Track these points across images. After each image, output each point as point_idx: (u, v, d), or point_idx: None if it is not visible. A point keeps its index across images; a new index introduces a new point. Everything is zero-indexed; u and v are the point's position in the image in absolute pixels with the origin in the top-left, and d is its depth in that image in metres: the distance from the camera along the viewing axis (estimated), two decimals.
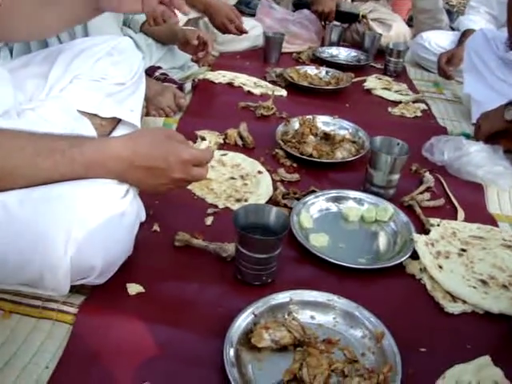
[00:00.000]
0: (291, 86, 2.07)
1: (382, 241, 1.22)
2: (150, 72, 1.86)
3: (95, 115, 1.27)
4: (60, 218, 0.80)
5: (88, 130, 1.25)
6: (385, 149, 1.35)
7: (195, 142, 1.48)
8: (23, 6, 1.11)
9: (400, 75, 2.44)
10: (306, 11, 2.75)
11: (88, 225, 0.80)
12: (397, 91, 2.20)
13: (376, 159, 1.31)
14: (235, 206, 1.25)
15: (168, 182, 0.93)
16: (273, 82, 2.12)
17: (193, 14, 2.34)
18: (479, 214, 1.37)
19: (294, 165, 1.48)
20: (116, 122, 1.34)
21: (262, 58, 2.40)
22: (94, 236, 0.81)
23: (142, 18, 1.91)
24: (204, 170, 0.95)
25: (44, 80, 1.26)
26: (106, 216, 0.84)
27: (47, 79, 1.26)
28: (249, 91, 1.96)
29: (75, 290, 0.94)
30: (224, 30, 2.26)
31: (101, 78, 1.30)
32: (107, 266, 0.89)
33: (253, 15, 3.18)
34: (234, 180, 1.36)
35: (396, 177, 1.33)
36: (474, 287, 1.07)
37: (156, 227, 1.17)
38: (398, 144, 1.36)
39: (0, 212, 0.79)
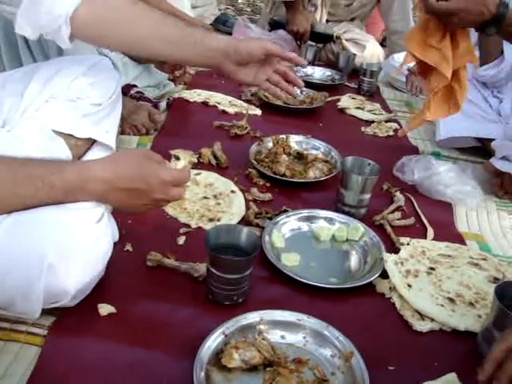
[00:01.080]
0: (266, 106, 2.10)
1: (353, 260, 1.24)
2: (125, 90, 1.86)
3: (70, 135, 1.26)
4: (35, 243, 0.80)
5: (62, 150, 1.25)
6: (356, 169, 1.38)
7: (170, 161, 1.49)
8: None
9: (373, 95, 2.49)
10: (281, 31, 2.79)
11: (62, 250, 0.81)
12: (370, 111, 2.24)
13: (347, 179, 1.34)
14: (208, 226, 1.26)
15: (148, 203, 0.95)
16: (248, 101, 2.14)
17: None
18: (448, 232, 1.41)
19: (267, 184, 1.50)
20: (91, 142, 1.34)
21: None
22: (68, 261, 0.81)
23: None
24: (182, 190, 0.98)
25: (20, 98, 1.26)
26: (81, 241, 0.85)
27: (23, 98, 1.26)
28: (223, 110, 1.98)
29: (45, 311, 0.94)
30: None
31: (77, 98, 1.29)
32: (81, 290, 0.89)
33: (229, 33, 3.23)
34: (207, 199, 1.37)
35: (367, 196, 1.36)
36: (442, 305, 1.09)
37: (128, 247, 1.17)
38: (369, 164, 1.39)
39: None
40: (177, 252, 1.16)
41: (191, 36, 1.20)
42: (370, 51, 2.89)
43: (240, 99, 2.16)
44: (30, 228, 0.81)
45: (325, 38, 2.93)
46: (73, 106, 1.28)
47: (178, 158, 1.52)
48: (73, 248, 0.82)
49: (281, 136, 1.67)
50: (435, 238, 1.35)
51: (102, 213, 0.90)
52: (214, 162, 1.57)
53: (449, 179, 1.55)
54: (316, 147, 1.71)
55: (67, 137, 1.26)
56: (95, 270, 0.91)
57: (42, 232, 0.81)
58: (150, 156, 0.98)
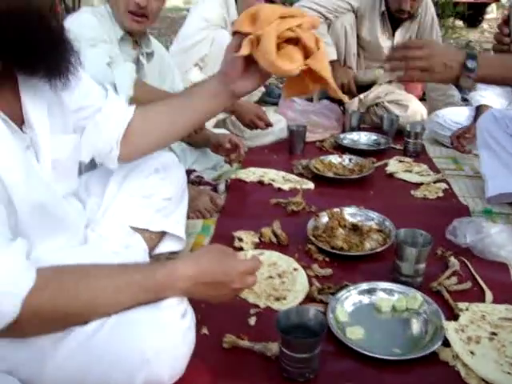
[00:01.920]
0: (317, 177, 2.22)
1: (415, 329, 1.30)
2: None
3: (146, 230, 1.43)
4: (135, 341, 0.92)
5: (140, 244, 1.42)
6: (409, 240, 1.47)
7: (233, 243, 1.62)
8: (158, 122, 1.33)
9: (419, 155, 2.57)
10: (325, 101, 2.95)
11: (157, 346, 0.93)
12: (418, 173, 2.32)
13: (402, 251, 1.42)
14: (275, 305, 1.36)
15: (228, 292, 1.06)
16: (300, 175, 2.27)
17: (221, 115, 2.55)
18: (507, 293, 1.44)
19: (327, 259, 1.59)
20: (164, 233, 1.50)
21: (288, 149, 2.58)
22: (162, 356, 0.93)
23: None
24: (256, 277, 1.09)
25: (100, 199, 1.44)
26: (171, 336, 0.97)
27: (103, 198, 1.44)
28: (279, 188, 2.11)
29: None
30: (253, 127, 2.46)
31: (150, 195, 1.46)
32: (172, 380, 1.00)
33: (274, 104, 3.42)
34: (272, 279, 1.48)
35: (422, 266, 1.43)
36: (509, 373, 1.11)
37: (205, 330, 1.28)
38: (421, 235, 1.47)
39: (80, 337, 0.93)
40: (249, 332, 1.26)
41: (194, 96, 1.30)
42: (412, 110, 2.99)
43: (292, 173, 2.29)
44: (131, 327, 0.94)
45: (370, 84, 3.02)
46: (147, 203, 1.45)
47: (241, 240, 1.65)
48: (165, 343, 0.94)
49: (335, 210, 1.78)
50: (494, 301, 1.39)
51: (185, 308, 1.02)
52: (274, 240, 1.69)
53: (501, 240, 1.60)
54: (370, 218, 1.80)
55: (143, 231, 1.43)
56: (185, 360, 1.02)
57: (141, 331, 0.93)
58: (224, 251, 1.11)
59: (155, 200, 1.46)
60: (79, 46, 1.74)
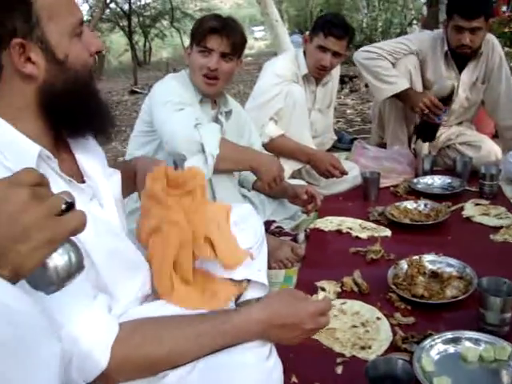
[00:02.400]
0: (394, 224, 2.26)
1: (505, 381, 1.30)
2: (266, 226, 2.14)
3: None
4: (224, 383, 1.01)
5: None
6: (493, 288, 1.48)
7: (316, 293, 1.69)
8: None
9: (496, 196, 2.55)
10: (396, 147, 3.00)
11: None
12: (496, 215, 2.31)
13: (486, 301, 1.44)
14: (361, 354, 1.41)
15: (301, 334, 1.12)
16: (376, 222, 2.32)
17: (296, 165, 2.66)
18: None
19: (409, 307, 1.62)
20: (247, 281, 1.59)
21: (362, 196, 2.64)
22: None
23: (253, 177, 2.21)
24: (328, 318, 1.15)
25: None
26: (258, 377, 1.05)
27: None
28: (357, 236, 2.17)
29: None
30: (328, 176, 2.55)
31: None
32: None
33: (346, 149, 3.51)
34: (356, 328, 1.53)
35: (508, 315, 1.44)
36: None
37: (294, 378, 1.34)
38: (505, 283, 1.48)
39: (173, 379, 1.02)
40: (337, 381, 1.32)
41: None
42: (485, 151, 2.97)
43: (368, 220, 2.35)
44: (219, 370, 1.02)
45: (450, 95, 2.92)
46: None
47: (323, 290, 1.71)
48: None
49: (414, 257, 1.81)
50: None
51: (270, 349, 1.09)
52: (356, 289, 1.74)
53: None
54: (449, 264, 1.81)
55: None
56: None
57: (229, 373, 1.01)
58: (295, 293, 1.18)
59: None
60: (166, 109, 1.94)
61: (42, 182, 0.70)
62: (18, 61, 0.99)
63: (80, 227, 0.69)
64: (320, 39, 2.62)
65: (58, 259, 0.69)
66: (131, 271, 1.25)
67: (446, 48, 2.94)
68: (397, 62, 2.98)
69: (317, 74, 2.77)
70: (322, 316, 1.14)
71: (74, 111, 1.08)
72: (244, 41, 2.07)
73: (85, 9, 16.58)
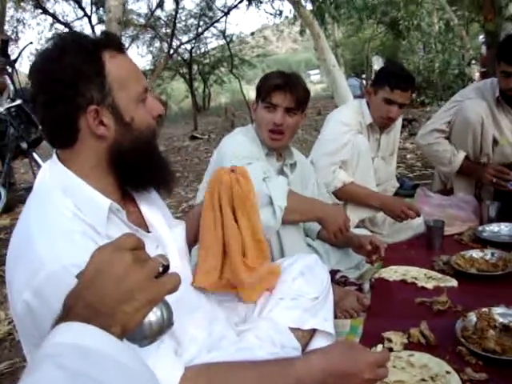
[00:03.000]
0: (460, 274, 2.23)
1: None
2: (331, 276, 2.16)
3: (297, 329, 1.57)
4: None
5: (293, 343, 1.55)
6: None
7: (383, 344, 1.70)
8: None
9: None
10: (460, 194, 2.98)
11: None
12: None
13: None
14: None
15: (359, 383, 1.15)
16: (441, 271, 2.30)
17: (363, 215, 2.69)
18: None
19: (480, 362, 1.58)
20: (313, 331, 1.63)
21: (426, 244, 2.63)
22: None
23: (317, 227, 2.26)
24: (386, 369, 1.17)
25: (253, 304, 1.62)
26: None
27: (256, 304, 1.62)
28: (422, 286, 2.16)
29: None
30: (403, 218, 2.57)
31: (298, 296, 1.61)
32: None
33: (407, 196, 3.50)
34: (426, 382, 1.52)
35: None
36: None
37: None
38: None
39: None
40: None
41: None
42: None
43: (433, 269, 2.33)
44: None
45: None
46: (296, 304, 1.59)
47: (390, 341, 1.72)
48: None
49: (483, 309, 1.79)
50: None
51: None
52: (423, 341, 1.73)
53: None
54: None
55: (294, 330, 1.56)
56: None
57: None
58: (353, 345, 1.22)
59: (303, 301, 1.60)
60: (235, 163, 2.05)
61: (139, 246, 0.79)
62: (92, 124, 1.12)
63: (175, 288, 0.77)
64: (386, 92, 2.66)
65: (152, 315, 0.76)
66: (194, 313, 1.33)
67: (497, 93, 2.96)
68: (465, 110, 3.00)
69: (383, 125, 2.82)
70: (380, 367, 1.16)
71: (139, 167, 1.21)
72: (307, 95, 2.17)
73: (149, 59, 17.48)
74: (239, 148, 2.08)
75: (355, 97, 10.35)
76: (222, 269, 1.52)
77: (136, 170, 1.20)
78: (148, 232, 1.27)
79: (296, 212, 1.95)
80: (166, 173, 1.29)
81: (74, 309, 0.70)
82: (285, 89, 2.07)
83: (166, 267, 0.79)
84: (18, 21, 13.86)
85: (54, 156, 1.19)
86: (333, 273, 2.21)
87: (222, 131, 10.63)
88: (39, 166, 3.54)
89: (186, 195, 5.01)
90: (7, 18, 12.57)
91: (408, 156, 5.48)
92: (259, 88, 2.17)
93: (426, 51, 14.26)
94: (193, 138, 10.20)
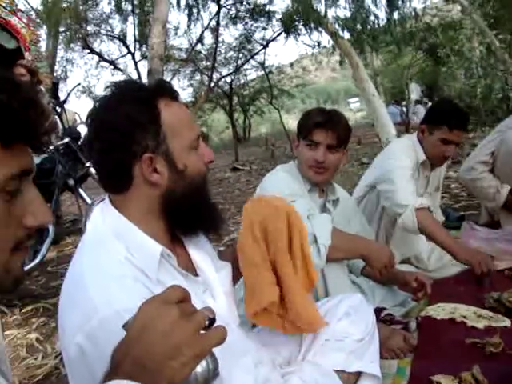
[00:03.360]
0: None
1: None
2: (376, 314, 2.11)
3: (343, 371, 1.53)
4: None
5: None
6: None
7: None
8: None
9: None
10: (508, 227, 2.89)
11: None
12: None
13: None
14: None
15: None
16: (492, 309, 2.21)
17: (411, 252, 2.64)
18: None
19: None
20: (359, 373, 1.59)
21: (474, 280, 2.53)
22: None
23: (361, 263, 2.22)
24: None
25: (297, 346, 1.59)
26: None
27: (301, 345, 1.59)
28: (472, 326, 2.08)
29: None
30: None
31: (343, 337, 1.58)
32: None
33: (451, 228, 3.41)
34: None
35: None
36: None
37: None
38: None
39: None
40: None
41: None
42: None
43: (483, 307, 2.24)
44: None
45: None
46: (341, 346, 1.56)
47: None
48: None
49: None
50: None
51: None
52: None
53: None
54: None
55: (340, 372, 1.53)
56: None
57: None
58: None
59: (348, 342, 1.57)
60: None
61: (186, 298, 0.79)
62: (146, 171, 1.15)
63: (222, 342, 0.76)
64: (444, 133, 2.58)
65: (198, 367, 0.76)
66: (241, 359, 1.31)
67: None
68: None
69: (439, 164, 2.77)
70: None
71: (190, 213, 1.22)
72: (349, 132, 2.17)
73: (190, 92, 17.88)
74: (282, 185, 2.09)
75: (395, 124, 10.29)
76: (280, 305, 1.50)
77: (187, 215, 1.22)
78: (196, 276, 1.28)
79: (340, 250, 1.93)
80: (216, 217, 1.30)
81: (122, 365, 0.71)
82: (326, 126, 2.08)
83: (213, 320, 0.78)
84: (67, 60, 14.45)
85: (107, 199, 1.22)
86: (378, 311, 2.17)
87: (263, 162, 10.70)
88: (85, 202, 3.64)
89: (228, 228, 5.02)
90: (58, 59, 13.20)
91: (452, 186, 5.35)
92: (300, 126, 2.19)
93: (467, 76, 14.06)
94: (234, 169, 10.29)
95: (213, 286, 1.31)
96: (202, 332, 0.76)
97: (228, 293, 1.37)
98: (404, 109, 13.25)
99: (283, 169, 2.25)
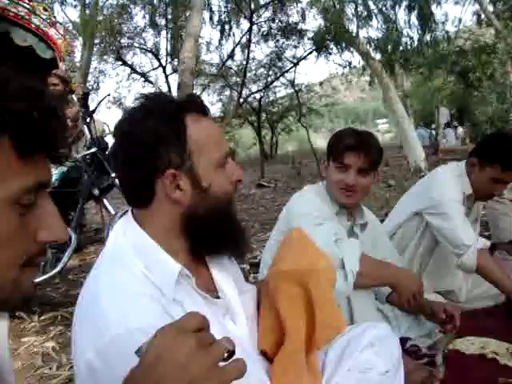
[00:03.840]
0: None
1: None
2: (401, 344, 2.02)
3: None
4: None
5: None
6: None
7: None
8: None
9: None
10: None
11: None
12: None
13: None
14: None
15: None
16: None
17: (446, 286, 2.54)
18: None
19: None
20: None
21: (506, 314, 2.42)
22: None
23: (387, 290, 2.14)
24: None
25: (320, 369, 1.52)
26: None
27: (322, 374, 1.51)
28: (505, 364, 1.98)
29: None
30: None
31: (367, 369, 1.49)
32: None
33: None
34: None
35: None
36: None
37: None
38: None
39: None
40: None
41: None
42: None
43: None
44: None
45: None
46: (364, 377, 1.47)
47: None
48: None
49: None
50: None
51: None
52: None
53: None
54: None
55: None
56: None
57: None
58: None
59: (372, 375, 1.49)
60: (306, 223, 1.98)
61: (204, 326, 0.73)
62: (168, 188, 1.10)
63: (240, 376, 0.71)
64: (496, 172, 2.41)
65: None
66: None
67: None
68: None
69: (484, 199, 2.67)
70: None
71: (213, 234, 1.16)
72: (381, 154, 2.10)
73: (219, 107, 18.04)
74: (309, 207, 2.02)
75: (424, 147, 10.17)
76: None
77: (209, 236, 1.17)
78: (217, 297, 1.22)
79: (369, 277, 1.86)
80: (240, 241, 1.24)
81: None
82: (358, 149, 2.00)
83: (232, 352, 0.73)
84: (100, 71, 14.74)
85: (129, 214, 1.19)
86: (403, 341, 2.07)
87: (289, 180, 10.65)
88: (109, 212, 3.63)
89: (252, 245, 4.97)
90: (91, 70, 13.47)
91: (482, 212, 5.20)
92: (331, 147, 2.12)
93: (499, 101, 13.86)
94: (259, 185, 10.25)
95: (234, 309, 1.25)
96: (221, 364, 0.70)
97: (251, 317, 1.32)
98: (433, 132, 13.07)
99: (311, 189, 2.19)
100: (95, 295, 1.04)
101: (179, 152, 1.11)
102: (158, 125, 1.10)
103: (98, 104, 4.09)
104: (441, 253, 2.58)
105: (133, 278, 1.06)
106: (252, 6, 10.88)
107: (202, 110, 1.18)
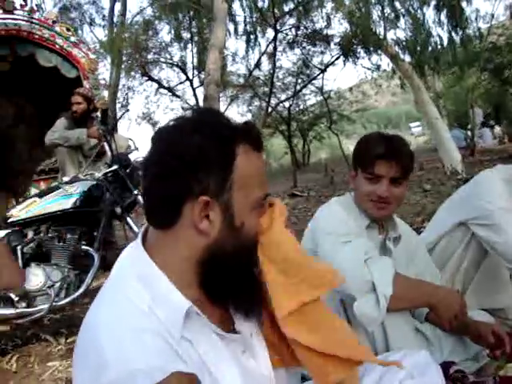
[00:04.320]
0: None
1: None
2: (444, 369, 1.83)
3: None
4: None
5: None
6: None
7: None
8: None
9: None
10: None
11: None
12: None
13: None
14: None
15: None
16: None
17: (494, 304, 2.33)
18: None
19: None
20: None
21: None
22: None
23: (425, 309, 1.94)
24: None
25: None
26: None
27: None
28: None
29: None
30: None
31: None
32: None
33: None
34: None
35: None
36: None
37: None
38: None
39: None
40: None
41: None
42: None
43: None
44: None
45: None
46: None
47: None
48: None
49: None
50: None
51: None
52: None
53: None
54: None
55: None
56: None
57: None
58: None
59: None
60: (331, 241, 1.80)
61: None
62: (197, 215, 0.99)
63: None
64: None
65: None
66: None
67: None
68: None
69: None
70: None
71: (230, 279, 1.05)
72: (413, 160, 1.92)
73: (248, 117, 18.01)
74: (336, 223, 1.85)
75: (460, 148, 9.82)
76: None
77: (225, 281, 1.05)
78: (235, 333, 1.10)
79: (404, 299, 1.68)
80: (252, 295, 1.09)
81: None
82: (389, 158, 1.81)
83: None
84: (129, 88, 14.90)
85: (139, 240, 1.08)
86: (446, 365, 1.87)
87: (322, 188, 10.49)
88: (132, 230, 3.55)
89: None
90: (120, 87, 13.65)
91: None
92: (359, 155, 1.94)
93: None
94: (292, 195, 10.07)
95: (253, 344, 1.13)
96: None
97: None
98: (469, 132, 12.65)
99: (338, 202, 2.01)
100: (94, 329, 0.95)
101: (220, 180, 1.00)
102: (206, 144, 0.99)
103: (117, 120, 4.03)
104: (489, 266, 2.32)
105: (136, 311, 0.95)
106: (276, 14, 10.78)
107: (257, 144, 1.07)
